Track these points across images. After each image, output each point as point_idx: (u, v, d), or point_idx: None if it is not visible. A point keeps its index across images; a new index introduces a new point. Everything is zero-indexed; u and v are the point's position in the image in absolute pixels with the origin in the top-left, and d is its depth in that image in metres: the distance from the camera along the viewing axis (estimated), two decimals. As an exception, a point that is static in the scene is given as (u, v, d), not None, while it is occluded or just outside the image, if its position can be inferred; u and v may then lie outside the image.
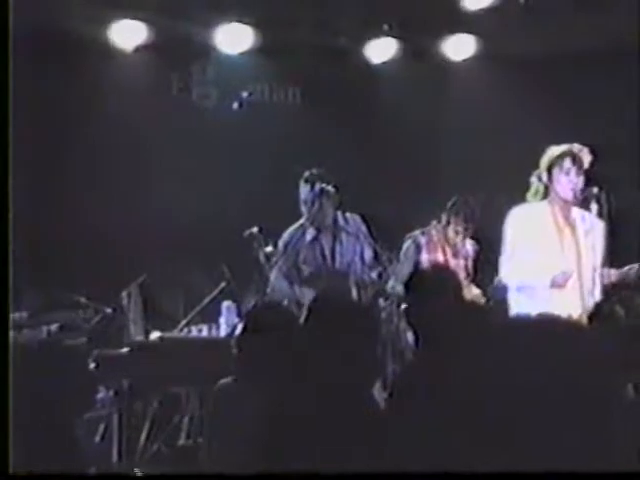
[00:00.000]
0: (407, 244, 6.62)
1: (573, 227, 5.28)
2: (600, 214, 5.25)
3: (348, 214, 6.41)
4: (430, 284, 3.99)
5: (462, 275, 6.36)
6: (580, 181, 5.20)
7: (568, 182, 5.20)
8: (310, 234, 6.31)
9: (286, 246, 6.15)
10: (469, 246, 6.63)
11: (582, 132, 7.15)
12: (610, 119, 7.51)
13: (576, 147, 5.25)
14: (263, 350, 3.81)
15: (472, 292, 6.37)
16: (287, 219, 6.36)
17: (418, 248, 6.56)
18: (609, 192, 5.32)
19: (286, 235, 6.22)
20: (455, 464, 2.52)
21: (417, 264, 6.43)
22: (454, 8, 7.66)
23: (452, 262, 6.51)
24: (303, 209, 6.23)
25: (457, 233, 6.49)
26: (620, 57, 7.39)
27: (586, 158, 5.24)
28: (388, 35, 7.95)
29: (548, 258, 5.20)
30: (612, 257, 5.44)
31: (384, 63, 8.09)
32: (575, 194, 5.22)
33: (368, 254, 6.37)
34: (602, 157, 6.33)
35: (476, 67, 8.08)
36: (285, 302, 6.09)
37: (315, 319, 3.59)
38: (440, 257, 6.52)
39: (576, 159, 5.20)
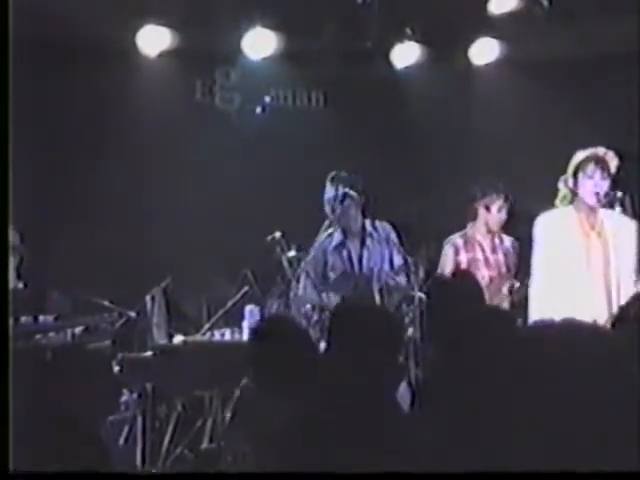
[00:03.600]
0: (446, 248, 6.64)
1: (599, 232, 5.27)
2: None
3: (377, 222, 6.42)
4: (452, 289, 3.98)
5: (503, 270, 6.40)
6: (605, 185, 5.19)
7: (593, 186, 5.19)
8: (337, 239, 6.32)
9: (314, 251, 6.16)
10: (508, 242, 6.63)
11: (608, 136, 7.13)
12: (636, 122, 7.46)
13: (601, 151, 5.23)
14: (279, 355, 3.83)
15: (502, 293, 6.36)
16: (310, 224, 6.37)
17: (456, 250, 6.58)
18: (634, 196, 5.30)
19: (316, 241, 6.24)
20: (479, 466, 2.51)
21: (456, 266, 6.45)
22: (478, 12, 7.64)
23: (491, 258, 6.51)
24: (327, 210, 6.25)
25: (493, 230, 6.52)
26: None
27: (612, 162, 5.22)
28: (411, 39, 7.93)
29: (575, 264, 5.18)
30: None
31: (407, 67, 8.08)
32: (599, 198, 5.21)
33: (397, 260, 6.37)
34: (629, 160, 6.31)
35: (500, 71, 8.05)
36: (309, 307, 6.11)
37: (339, 324, 3.60)
38: (479, 254, 6.53)
39: (600, 163, 5.19)
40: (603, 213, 5.32)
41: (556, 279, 5.23)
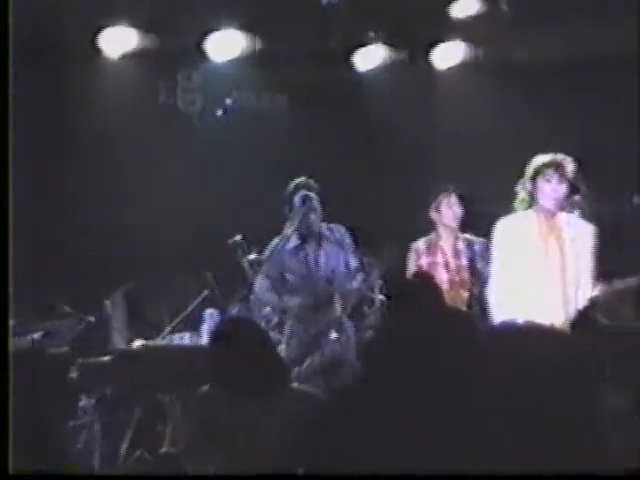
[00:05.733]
0: (410, 253, 6.67)
1: (558, 236, 5.32)
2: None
3: (332, 225, 6.42)
4: (410, 291, 3.99)
5: (465, 275, 6.41)
6: (563, 189, 5.25)
7: (551, 191, 5.26)
8: (294, 242, 6.31)
9: (271, 254, 6.15)
10: (477, 247, 6.64)
11: (568, 140, 7.18)
12: (597, 127, 7.52)
13: (559, 157, 5.30)
14: (239, 358, 3.81)
15: (462, 296, 6.37)
16: (271, 226, 6.35)
17: (418, 255, 6.61)
18: (592, 200, 5.36)
19: (272, 244, 6.22)
20: (435, 466, 2.51)
21: (417, 269, 6.48)
22: (441, 16, 7.66)
23: (453, 262, 6.54)
24: (288, 216, 6.23)
25: (452, 226, 6.55)
26: (607, 65, 7.40)
27: (569, 167, 5.28)
28: (375, 42, 7.94)
29: (532, 268, 5.24)
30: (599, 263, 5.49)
31: (371, 70, 8.08)
32: (558, 202, 5.27)
33: (353, 263, 6.37)
34: (588, 165, 6.36)
35: (463, 74, 8.08)
36: (269, 309, 6.08)
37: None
38: (439, 258, 6.56)
39: (559, 168, 5.25)
40: (562, 217, 5.37)
41: (514, 283, 5.28)
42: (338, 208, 6.60)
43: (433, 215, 6.61)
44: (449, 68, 8.09)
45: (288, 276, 6.23)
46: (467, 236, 6.58)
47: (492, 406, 2.49)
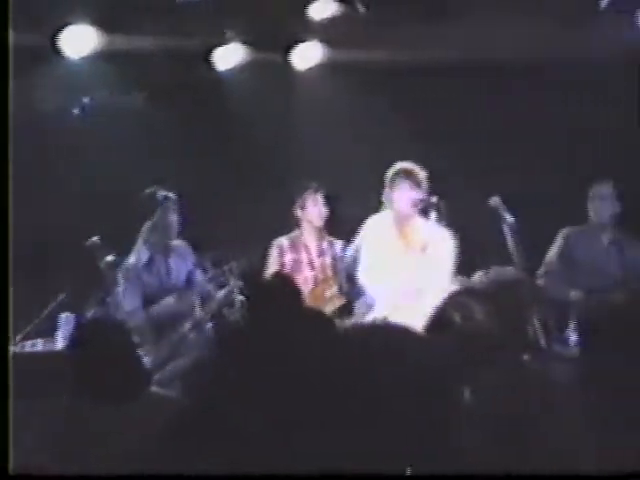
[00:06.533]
0: (272, 249, 6.71)
1: (411, 239, 5.50)
2: (439, 222, 5.50)
3: (174, 242, 6.44)
4: (270, 293, 4.00)
5: (329, 273, 6.49)
6: (414, 195, 5.48)
7: (403, 197, 5.50)
8: (145, 255, 6.31)
9: (129, 266, 6.14)
10: (338, 247, 6.70)
11: (427, 144, 7.34)
12: (454, 130, 7.69)
13: (409, 165, 5.54)
14: (99, 362, 3.75)
15: (326, 294, 6.44)
16: (129, 228, 6.27)
17: (281, 251, 6.65)
18: (448, 201, 5.54)
19: (131, 257, 6.21)
20: (296, 467, 2.51)
21: (280, 267, 6.53)
22: (299, 16, 7.70)
23: (317, 261, 6.60)
24: (146, 218, 6.21)
25: (317, 225, 6.62)
26: (462, 70, 7.57)
27: (420, 174, 5.51)
28: (234, 41, 7.92)
29: (390, 270, 5.40)
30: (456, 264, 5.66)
31: (231, 69, 8.06)
32: (411, 208, 5.48)
33: (210, 265, 6.39)
34: (443, 168, 6.53)
35: (321, 75, 8.14)
36: (129, 313, 6.01)
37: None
38: (303, 256, 6.62)
39: (410, 176, 5.47)
40: (418, 221, 5.56)
41: (374, 284, 5.43)
42: (197, 207, 6.58)
43: (298, 213, 6.68)
44: (308, 69, 8.13)
45: (145, 288, 6.23)
46: (331, 238, 6.67)
47: (347, 406, 2.51)
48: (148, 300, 6.20)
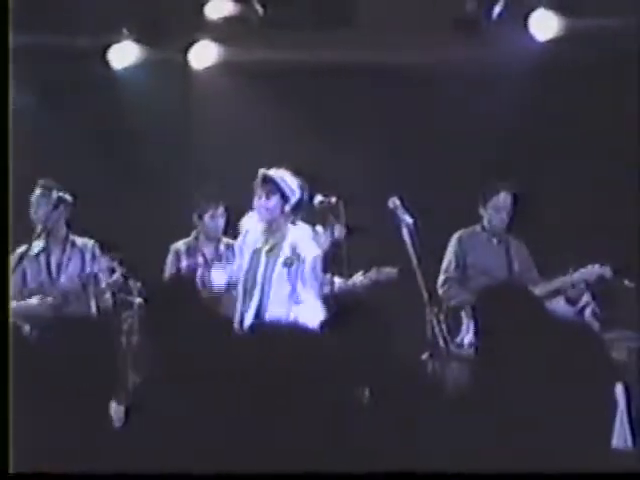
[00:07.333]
0: (169, 255, 6.67)
1: (275, 244, 5.61)
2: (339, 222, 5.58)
3: (78, 239, 6.33)
4: (168, 295, 3.96)
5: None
6: (272, 203, 5.54)
7: (261, 205, 5.56)
8: (38, 246, 6.19)
9: (19, 260, 6.01)
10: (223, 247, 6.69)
11: (323, 144, 7.37)
12: (349, 132, 7.74)
13: (263, 172, 5.59)
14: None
15: (229, 297, 6.44)
16: (19, 228, 6.14)
17: (178, 256, 6.62)
18: (343, 206, 5.66)
19: (18, 250, 6.10)
20: (199, 468, 2.49)
21: (177, 271, 6.48)
22: (196, 15, 7.65)
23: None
24: (34, 219, 6.13)
25: (215, 237, 6.60)
26: (357, 73, 7.62)
27: (278, 180, 5.56)
28: (129, 39, 7.82)
29: (263, 273, 5.53)
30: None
31: (125, 68, 7.95)
32: (270, 214, 5.55)
33: (104, 265, 6.30)
34: (342, 169, 6.55)
35: (217, 74, 8.09)
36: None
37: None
38: (200, 260, 6.59)
39: (266, 183, 5.53)
40: (282, 226, 5.65)
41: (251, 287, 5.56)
42: (90, 209, 6.49)
43: (195, 218, 6.64)
44: (205, 68, 8.07)
45: (28, 281, 6.13)
46: (229, 240, 6.63)
47: (247, 406, 2.50)
48: (28, 294, 6.08)
